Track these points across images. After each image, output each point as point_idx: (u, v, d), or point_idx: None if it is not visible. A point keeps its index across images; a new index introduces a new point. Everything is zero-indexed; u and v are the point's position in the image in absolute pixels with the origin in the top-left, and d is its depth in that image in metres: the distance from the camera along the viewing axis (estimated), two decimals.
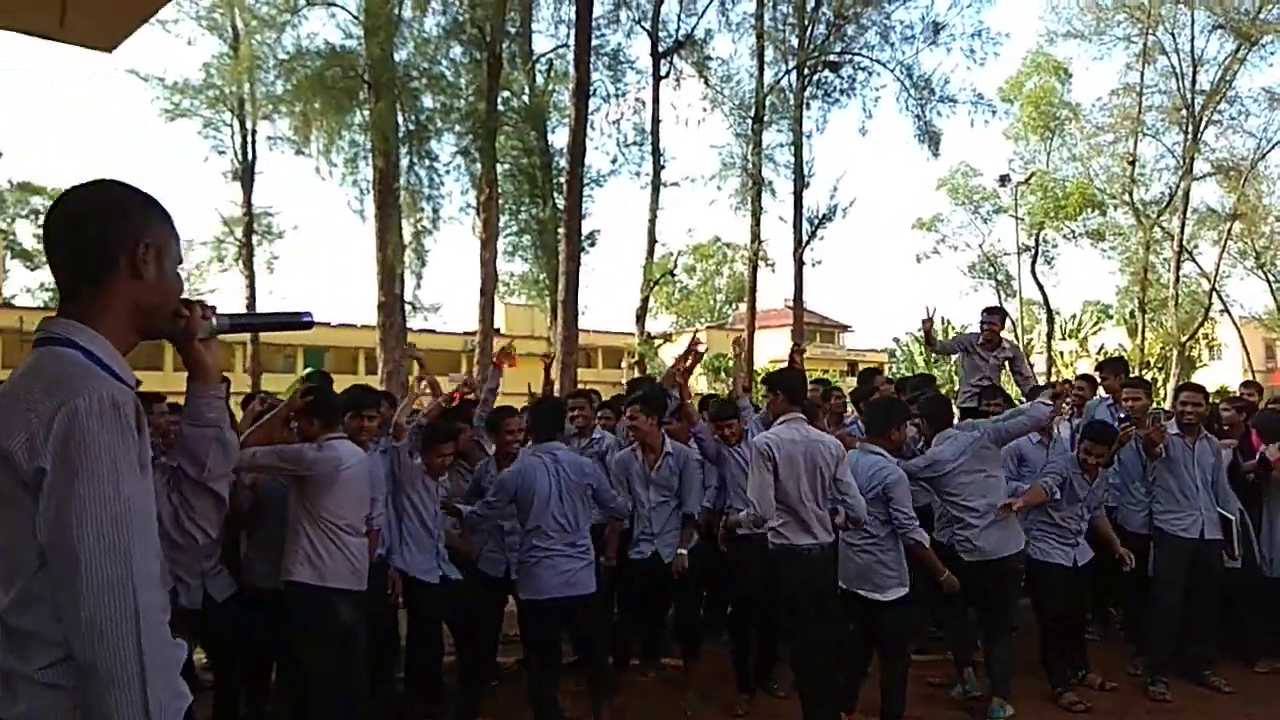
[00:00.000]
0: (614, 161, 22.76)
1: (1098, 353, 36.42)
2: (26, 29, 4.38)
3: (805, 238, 24.06)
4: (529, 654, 4.67)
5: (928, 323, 7.41)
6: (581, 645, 4.80)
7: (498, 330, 21.71)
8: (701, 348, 5.75)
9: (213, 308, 1.61)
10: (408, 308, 18.91)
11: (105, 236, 1.47)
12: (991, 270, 32.76)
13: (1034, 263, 31.11)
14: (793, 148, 23.85)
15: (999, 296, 31.91)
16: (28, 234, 38.30)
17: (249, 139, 22.76)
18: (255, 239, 24.18)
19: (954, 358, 8.10)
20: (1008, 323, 33.40)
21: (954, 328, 38.17)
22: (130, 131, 76.21)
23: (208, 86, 21.80)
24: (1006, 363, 7.34)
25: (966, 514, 4.82)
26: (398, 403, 5.42)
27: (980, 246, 32.39)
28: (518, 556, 4.56)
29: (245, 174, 23.07)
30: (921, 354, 44.56)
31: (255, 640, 4.53)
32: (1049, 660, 5.23)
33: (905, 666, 4.53)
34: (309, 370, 22.32)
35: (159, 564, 1.42)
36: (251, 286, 23.81)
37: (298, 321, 1.71)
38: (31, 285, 39.61)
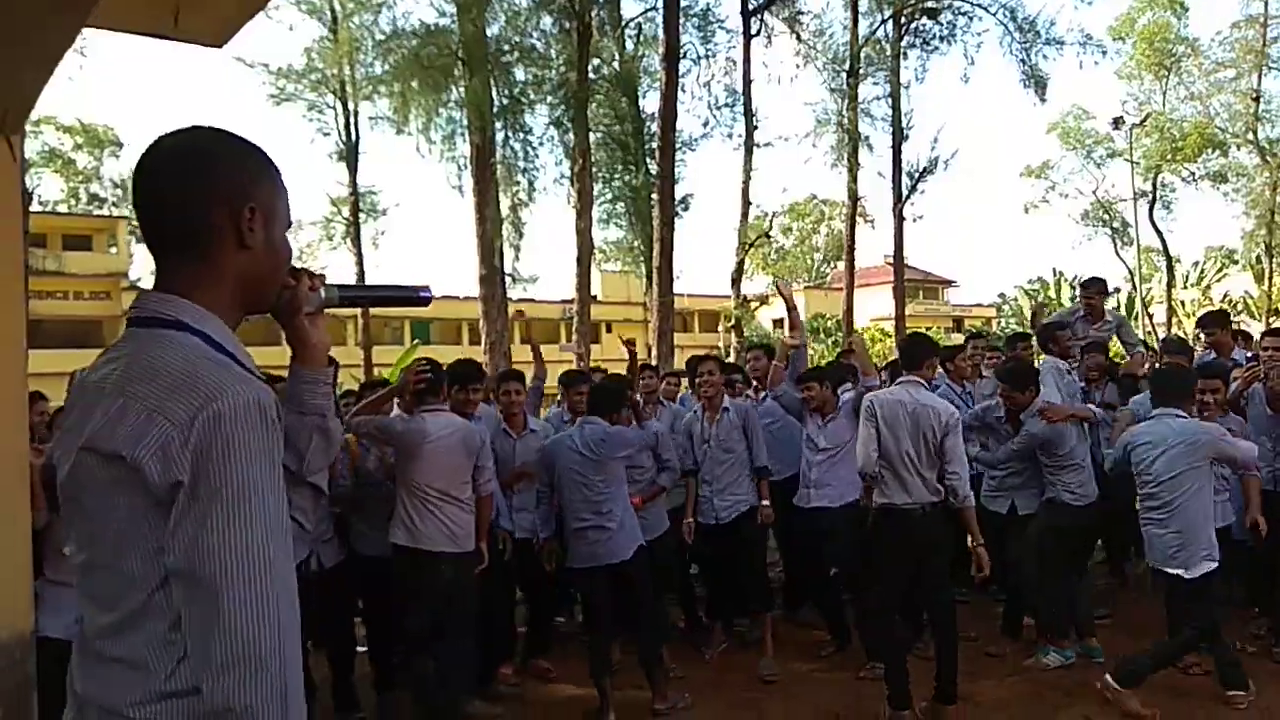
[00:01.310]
0: (706, 124, 22.62)
1: (1222, 300, 34.40)
2: (141, 30, 4.68)
3: (905, 192, 23.47)
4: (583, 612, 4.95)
5: (1037, 308, 7.14)
6: (624, 609, 4.81)
7: (595, 298, 21.97)
8: (787, 290, 5.87)
9: (321, 277, 1.43)
10: (507, 279, 19.31)
11: (208, 198, 1.25)
12: (1106, 218, 31.27)
13: (1151, 208, 29.57)
14: (890, 100, 23.22)
15: (1114, 245, 30.49)
16: None
17: (351, 120, 23.48)
18: (361, 217, 25.06)
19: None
20: (1124, 274, 32.02)
21: (1066, 280, 36.64)
22: (239, 117, 79.52)
23: (310, 70, 22.57)
24: (1114, 333, 7.16)
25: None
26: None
27: (1093, 193, 30.93)
28: None
29: (349, 154, 23.84)
30: (1026, 309, 42.95)
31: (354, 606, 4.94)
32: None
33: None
34: (415, 343, 23.14)
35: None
36: (360, 263, 24.69)
37: (415, 297, 1.55)
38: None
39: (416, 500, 4.31)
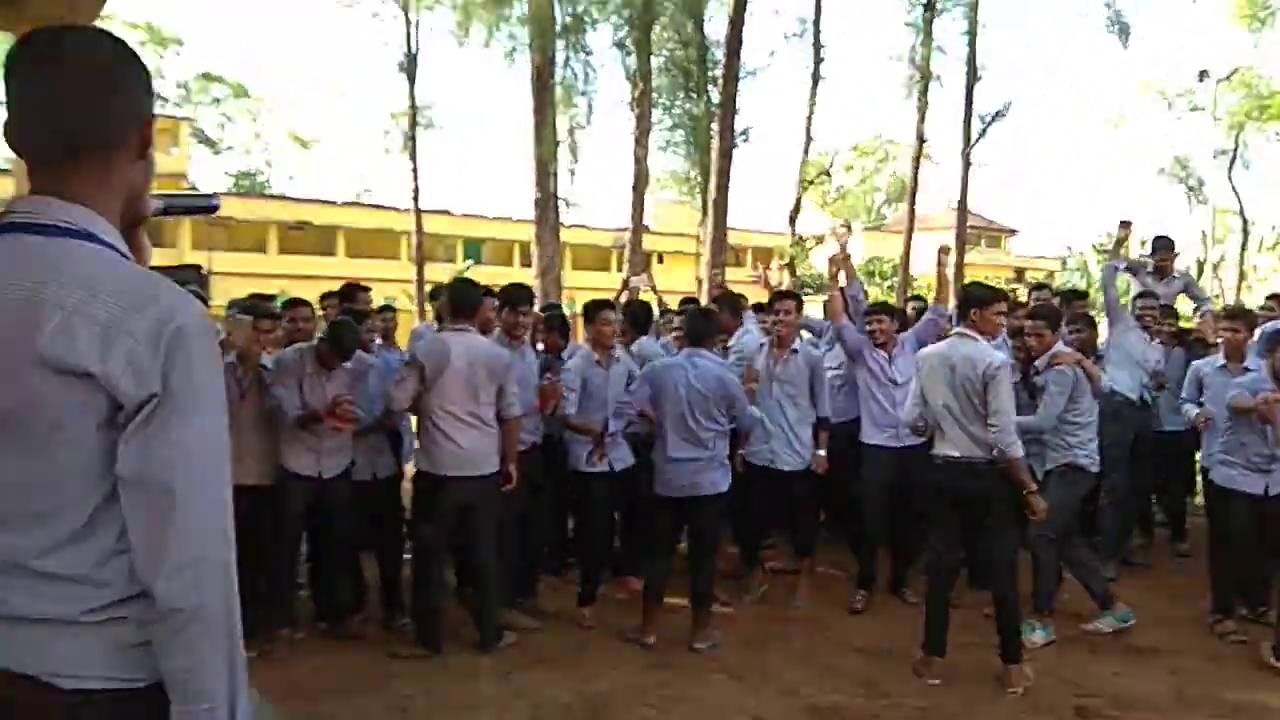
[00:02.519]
0: (771, 54, 22.01)
1: None
2: None
3: (974, 136, 22.73)
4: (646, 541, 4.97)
5: (1125, 230, 6.84)
6: (694, 543, 4.88)
7: (648, 227, 21.81)
8: (844, 239, 5.75)
9: None
10: (561, 203, 19.23)
11: (124, 107, 1.25)
12: (1183, 174, 30.07)
13: (1231, 167, 28.32)
14: (966, 37, 22.34)
15: (1188, 203, 29.35)
16: (211, 122, 40.95)
17: (413, 31, 23.26)
18: (418, 130, 25.01)
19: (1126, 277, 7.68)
20: (1196, 234, 30.83)
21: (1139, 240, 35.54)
22: (296, 22, 79.14)
23: None
24: (1183, 291, 7.11)
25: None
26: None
27: (1171, 148, 29.71)
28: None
29: (409, 66, 23.69)
30: (1099, 262, 41.79)
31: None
32: (1216, 585, 5.08)
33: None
34: (468, 263, 23.25)
35: None
36: (415, 177, 24.73)
37: (207, 205, 1.75)
38: (212, 172, 42.42)
39: (433, 422, 4.39)
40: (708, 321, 4.86)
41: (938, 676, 4.31)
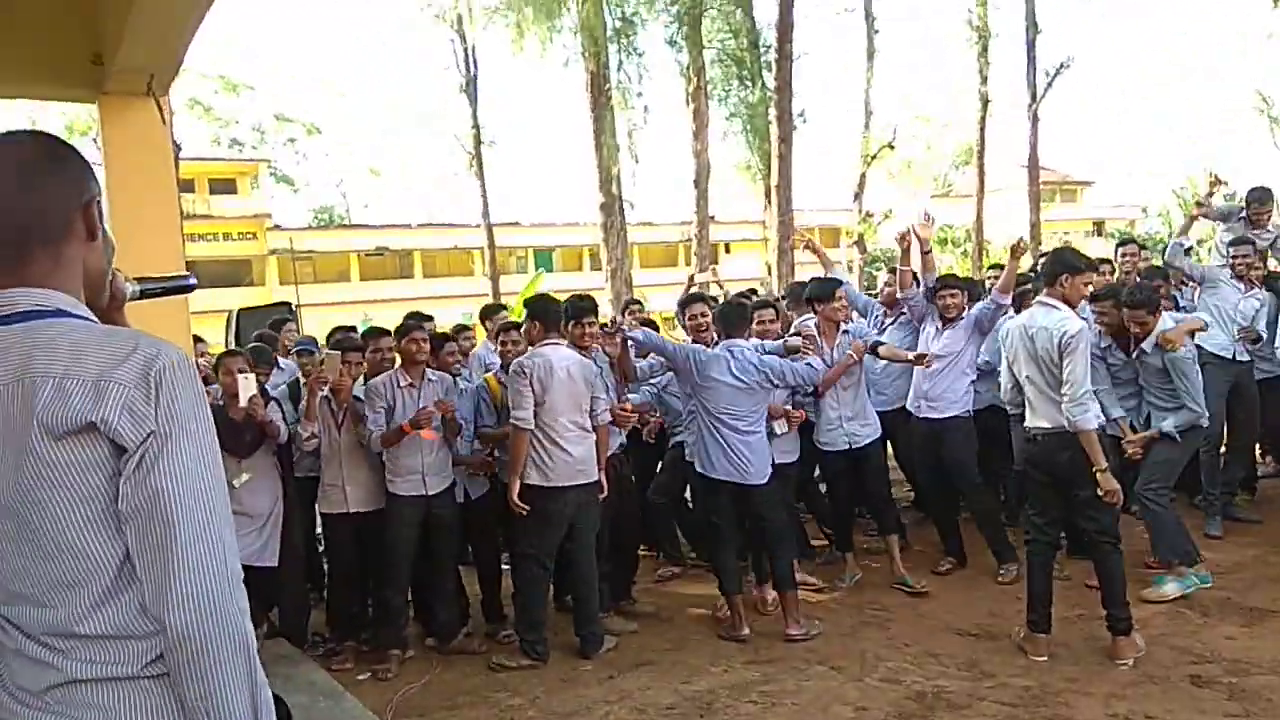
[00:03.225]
0: (822, 35, 21.66)
1: None
2: None
3: (1040, 91, 22.04)
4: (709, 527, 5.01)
5: (1215, 186, 6.66)
6: (755, 531, 4.98)
7: (713, 218, 21.79)
8: (925, 229, 5.64)
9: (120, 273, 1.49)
10: (626, 205, 19.37)
11: (66, 194, 1.31)
12: (1264, 106, 28.55)
13: None
14: None
15: (1273, 136, 27.83)
16: (287, 161, 42.41)
17: (470, 53, 23.73)
18: (483, 148, 25.48)
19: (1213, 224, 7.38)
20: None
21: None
22: (359, 58, 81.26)
23: (427, 4, 22.90)
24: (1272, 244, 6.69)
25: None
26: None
27: (1250, 83, 28.24)
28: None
29: (470, 87, 24.17)
30: (1184, 209, 39.98)
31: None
32: None
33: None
34: (540, 271, 23.61)
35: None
36: (484, 194, 25.21)
37: (186, 285, 1.78)
38: (292, 209, 43.81)
39: (546, 434, 4.50)
40: (739, 310, 4.98)
41: (1043, 654, 4.25)
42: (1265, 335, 5.81)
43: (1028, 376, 4.24)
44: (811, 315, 5.53)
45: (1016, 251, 5.36)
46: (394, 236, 35.29)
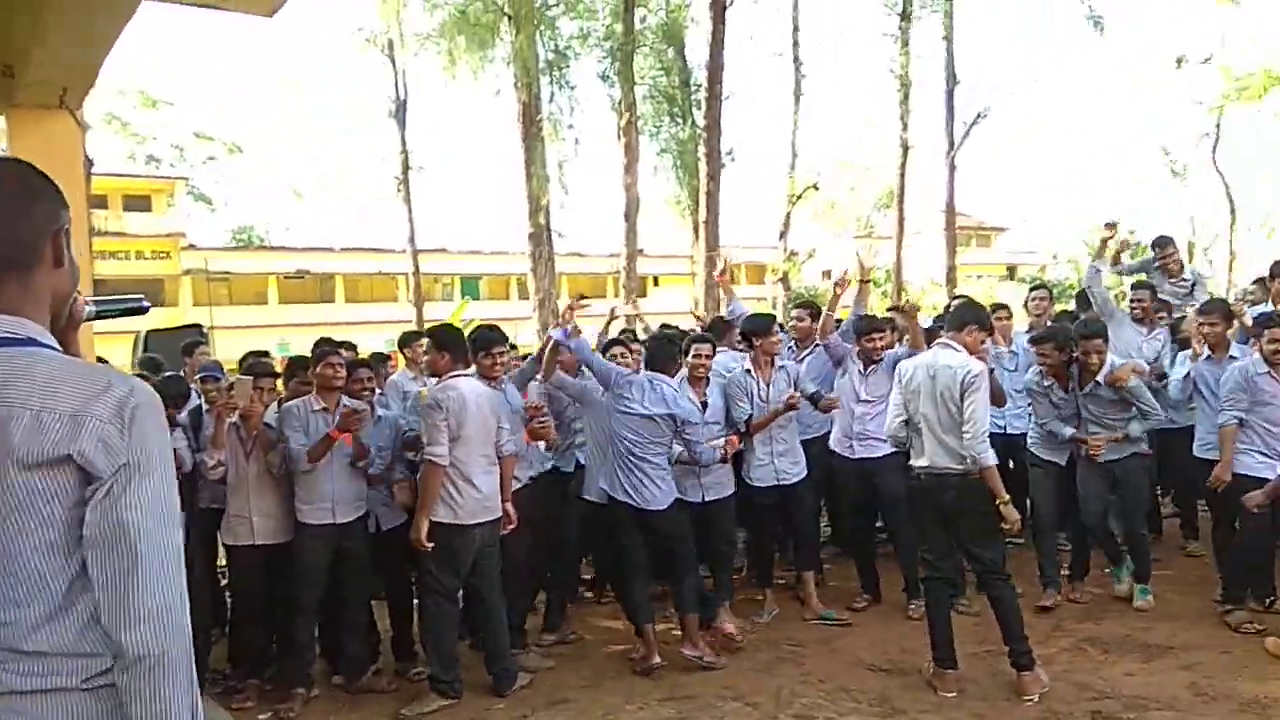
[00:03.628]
0: (751, 77, 22.22)
1: None
2: (196, 1, 4.80)
3: (958, 140, 22.90)
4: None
5: (1110, 231, 6.62)
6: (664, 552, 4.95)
7: (642, 251, 21.95)
8: (870, 257, 5.85)
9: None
10: (555, 235, 19.38)
11: (37, 223, 1.37)
12: (1168, 161, 30.18)
13: (1214, 150, 28.47)
14: (945, 42, 22.56)
15: (1174, 189, 29.36)
16: (206, 180, 41.26)
17: (400, 78, 23.56)
18: (411, 173, 25.24)
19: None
20: (1189, 217, 30.74)
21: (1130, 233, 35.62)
22: (280, 79, 79.96)
23: (358, 29, 22.68)
24: (1190, 292, 7.01)
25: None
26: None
27: (1154, 136, 29.82)
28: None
29: (399, 112, 23.97)
30: (1089, 253, 41.81)
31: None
32: (1226, 575, 5.12)
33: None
34: (465, 300, 23.44)
35: None
36: (410, 220, 24.93)
37: (140, 307, 1.85)
38: (210, 229, 42.51)
39: (457, 473, 4.39)
40: (668, 350, 5.01)
41: (952, 689, 4.32)
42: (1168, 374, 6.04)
43: (924, 414, 4.32)
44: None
45: (910, 311, 5.59)
46: (316, 260, 34.53)
